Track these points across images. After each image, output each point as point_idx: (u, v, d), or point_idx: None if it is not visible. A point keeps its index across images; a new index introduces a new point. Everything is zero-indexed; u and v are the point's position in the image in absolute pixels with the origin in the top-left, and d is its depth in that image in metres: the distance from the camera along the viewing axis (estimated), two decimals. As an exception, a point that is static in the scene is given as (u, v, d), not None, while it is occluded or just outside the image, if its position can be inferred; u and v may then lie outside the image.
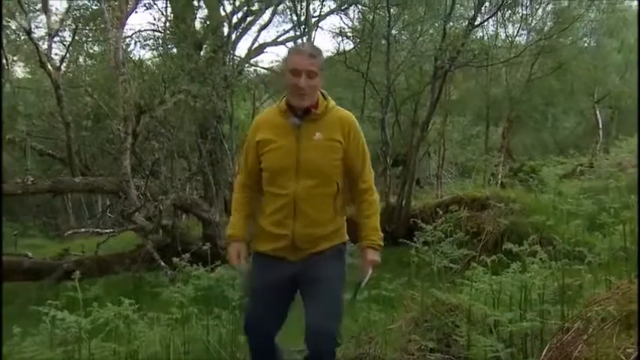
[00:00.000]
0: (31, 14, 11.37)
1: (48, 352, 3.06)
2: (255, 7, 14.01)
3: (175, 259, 5.39)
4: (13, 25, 12.83)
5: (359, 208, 2.65)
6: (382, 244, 2.59)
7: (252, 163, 2.59)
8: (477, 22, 12.65)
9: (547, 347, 2.47)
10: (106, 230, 9.98)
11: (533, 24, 18.21)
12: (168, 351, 3.29)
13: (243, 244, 2.65)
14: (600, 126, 19.80)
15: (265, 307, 2.55)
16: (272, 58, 24.97)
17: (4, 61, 14.12)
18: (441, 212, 5.81)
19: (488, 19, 14.39)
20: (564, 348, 2.34)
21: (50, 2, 11.21)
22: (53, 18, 11.50)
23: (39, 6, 12.18)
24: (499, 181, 14.85)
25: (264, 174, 2.53)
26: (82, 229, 11.48)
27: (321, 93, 2.53)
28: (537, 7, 17.60)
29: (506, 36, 18.52)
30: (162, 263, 7.71)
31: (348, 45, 16.34)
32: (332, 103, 2.55)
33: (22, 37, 12.24)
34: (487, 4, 13.11)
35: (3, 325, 3.04)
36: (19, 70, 16.88)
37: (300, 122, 2.45)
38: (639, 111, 8.49)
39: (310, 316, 2.44)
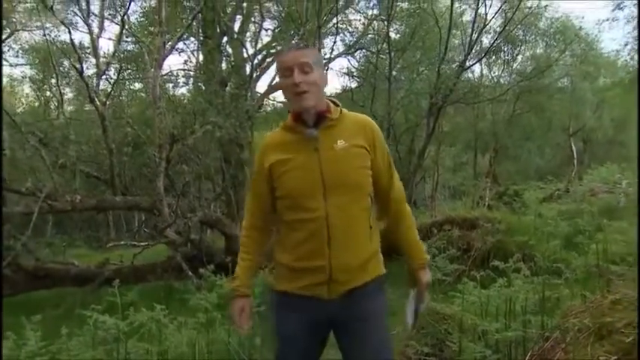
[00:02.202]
0: (82, 56, 11.59)
1: (90, 350, 3.06)
2: (273, 49, 14.24)
3: (201, 270, 5.41)
4: (66, 63, 13.12)
5: (395, 220, 2.03)
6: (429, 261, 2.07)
7: (263, 194, 1.95)
8: (466, 65, 12.77)
9: (529, 354, 2.44)
10: (142, 243, 9.98)
11: (514, 67, 18.40)
12: (194, 351, 3.27)
13: (247, 301, 2.01)
14: (575, 156, 19.79)
15: (298, 358, 1.93)
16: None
17: (53, 94, 14.37)
18: (435, 230, 5.80)
19: (476, 62, 14.55)
20: (544, 355, 2.31)
21: (99, 45, 11.41)
22: (101, 59, 11.74)
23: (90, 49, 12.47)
24: (486, 204, 14.74)
25: (283, 202, 1.88)
26: (121, 242, 11.50)
27: (331, 101, 1.94)
28: (517, 53, 17.88)
29: (492, 77, 18.71)
30: (190, 273, 7.68)
31: (354, 83, 16.55)
32: (345, 110, 1.95)
33: (75, 76, 12.48)
34: (476, 48, 13.24)
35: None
36: (71, 104, 17.16)
37: (316, 132, 1.83)
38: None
39: None
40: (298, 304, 1.87)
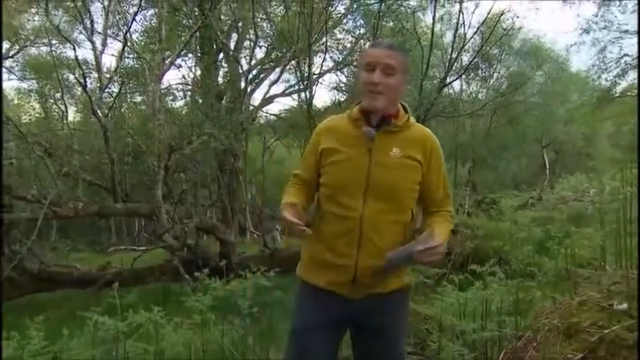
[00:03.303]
0: (86, 71, 11.55)
1: (90, 350, 3.02)
2: (267, 65, 14.29)
3: (197, 273, 5.37)
4: (71, 77, 13.06)
5: (426, 221, 1.79)
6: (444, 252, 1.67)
7: (311, 171, 1.78)
8: (446, 82, 12.91)
9: (503, 352, 2.45)
10: (141, 247, 9.94)
11: (491, 83, 18.65)
12: (190, 351, 3.24)
13: (295, 206, 1.67)
14: (547, 166, 20.00)
15: (313, 352, 1.75)
16: (280, 107, 25.27)
17: (58, 107, 14.28)
18: (416, 236, 5.81)
19: (456, 79, 14.69)
20: (518, 353, 2.32)
21: (102, 61, 11.40)
22: (104, 74, 11.70)
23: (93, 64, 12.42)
24: (466, 211, 14.83)
25: (324, 190, 1.73)
26: (122, 246, 11.45)
27: (403, 105, 1.78)
28: (493, 71, 18.18)
29: (470, 93, 18.93)
30: (186, 276, 7.63)
31: (342, 97, 16.65)
32: (413, 119, 1.79)
33: (79, 90, 12.42)
34: (455, 66, 13.40)
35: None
36: (74, 116, 17.06)
37: (374, 132, 1.68)
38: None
39: None
40: (322, 298, 1.74)
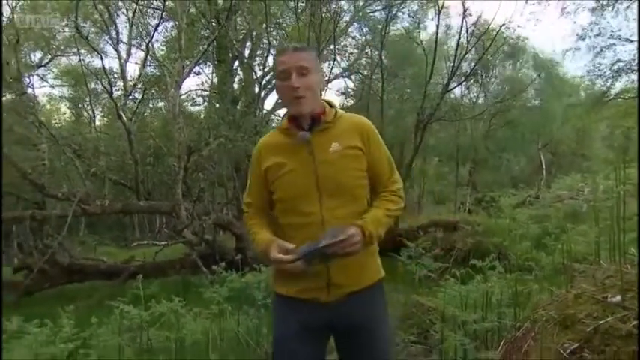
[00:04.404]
0: (112, 78, 11.66)
1: (117, 337, 3.05)
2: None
3: (214, 266, 5.38)
4: (98, 86, 13.19)
5: (373, 202, 1.68)
6: (373, 236, 1.57)
7: (262, 194, 1.70)
8: (449, 88, 12.86)
9: (503, 341, 2.44)
10: (162, 242, 9.99)
11: (490, 88, 18.53)
12: (208, 338, 3.26)
13: (275, 241, 1.59)
14: (544, 167, 19.80)
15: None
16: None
17: (86, 112, 14.42)
18: (421, 232, 5.80)
19: (457, 85, 14.60)
20: (516, 342, 2.31)
21: (126, 69, 11.50)
22: (128, 82, 11.80)
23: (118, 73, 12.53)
24: (467, 209, 14.76)
25: (280, 205, 1.65)
26: (144, 241, 11.51)
27: (327, 102, 1.69)
28: (491, 76, 18.08)
29: (470, 97, 18.81)
30: (204, 269, 7.67)
31: (350, 102, 16.63)
32: (341, 111, 1.70)
33: (105, 96, 12.55)
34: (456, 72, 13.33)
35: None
36: (101, 120, 17.24)
37: (309, 135, 1.60)
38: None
39: None
40: (296, 306, 1.62)
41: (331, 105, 1.68)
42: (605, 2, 12.84)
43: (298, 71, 1.55)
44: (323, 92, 1.70)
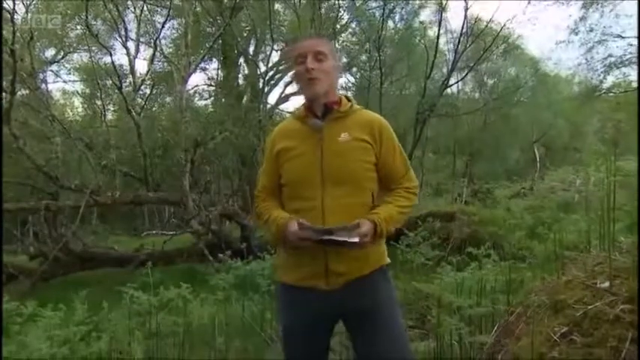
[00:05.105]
0: (121, 74, 11.63)
1: (127, 321, 3.08)
2: (282, 67, 14.24)
3: (220, 255, 5.41)
4: (108, 82, 13.17)
5: (386, 197, 1.63)
6: (383, 233, 1.54)
7: (274, 178, 1.66)
8: (448, 84, 12.82)
9: (497, 326, 2.45)
10: (170, 232, 10.04)
11: (486, 82, 18.46)
12: (214, 323, 3.28)
13: (292, 221, 1.52)
14: (537, 159, 19.74)
15: (303, 352, 1.63)
16: (295, 105, 25.22)
17: (97, 106, 14.42)
18: (420, 222, 5.78)
19: (458, 82, 14.58)
20: (509, 327, 2.32)
21: (135, 65, 11.47)
22: (137, 77, 11.77)
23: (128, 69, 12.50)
24: (463, 200, 14.72)
25: (285, 189, 1.62)
26: (153, 231, 11.56)
27: (345, 96, 1.67)
28: (486, 72, 17.98)
29: (467, 92, 18.75)
30: (211, 257, 7.69)
31: (350, 95, 16.57)
32: (358, 106, 1.66)
33: (115, 92, 12.52)
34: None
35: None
36: (112, 114, 17.22)
37: (321, 123, 1.58)
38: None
39: (376, 353, 1.55)
40: (299, 295, 1.59)
41: (349, 99, 1.67)
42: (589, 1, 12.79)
43: (315, 55, 1.55)
44: (338, 82, 1.68)
